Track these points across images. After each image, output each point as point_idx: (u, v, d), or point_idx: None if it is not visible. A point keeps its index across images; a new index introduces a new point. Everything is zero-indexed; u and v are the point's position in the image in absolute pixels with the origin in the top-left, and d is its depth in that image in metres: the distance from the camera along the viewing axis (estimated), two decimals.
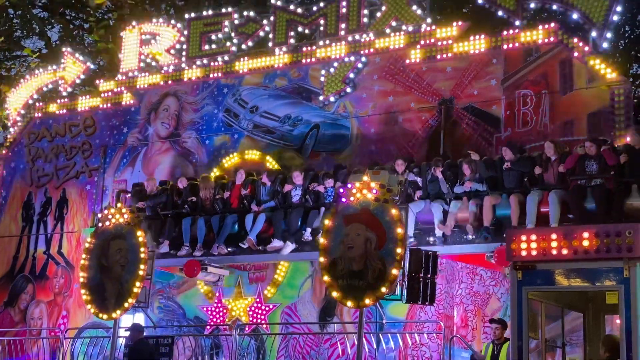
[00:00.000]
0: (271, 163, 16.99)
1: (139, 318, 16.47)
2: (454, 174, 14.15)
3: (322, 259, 12.20)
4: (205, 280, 16.54)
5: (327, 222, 12.42)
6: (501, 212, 13.47)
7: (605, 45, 14.67)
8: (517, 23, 15.32)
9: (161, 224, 16.33)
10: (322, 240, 12.25)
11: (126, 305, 14.27)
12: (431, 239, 13.97)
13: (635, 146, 12.92)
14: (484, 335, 14.26)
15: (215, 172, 17.34)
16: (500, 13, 15.62)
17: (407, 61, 16.16)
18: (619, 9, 14.68)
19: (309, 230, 14.90)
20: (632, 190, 12.65)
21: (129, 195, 17.49)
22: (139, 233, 14.32)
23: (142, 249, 14.41)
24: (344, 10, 16.94)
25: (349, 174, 14.64)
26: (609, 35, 14.67)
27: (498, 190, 13.61)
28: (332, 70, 16.91)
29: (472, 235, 13.59)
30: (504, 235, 12.64)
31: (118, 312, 14.03)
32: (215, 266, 15.94)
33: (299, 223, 14.99)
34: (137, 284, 13.94)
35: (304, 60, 17.25)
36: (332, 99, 16.86)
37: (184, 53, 18.57)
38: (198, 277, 16.11)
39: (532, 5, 15.60)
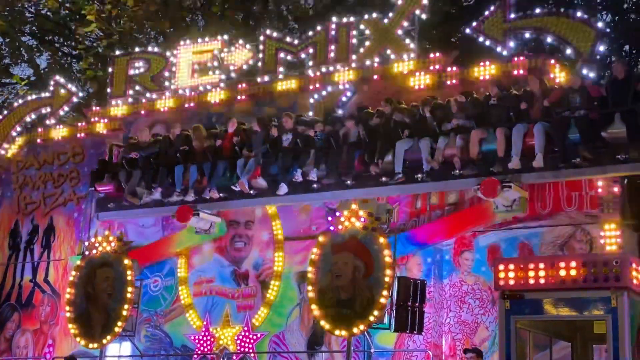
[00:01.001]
0: None
1: (126, 347, 16.36)
2: (443, 112, 14.42)
3: (310, 288, 12.18)
4: (197, 228, 16.58)
5: (314, 251, 12.40)
6: (487, 146, 13.74)
7: (592, 74, 14.77)
8: (505, 53, 15.41)
9: (154, 172, 16.60)
10: (310, 269, 12.23)
11: (113, 333, 14.20)
12: (419, 175, 14.23)
13: (618, 77, 13.12)
14: None
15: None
16: (488, 43, 15.72)
17: (395, 90, 16.18)
18: (605, 39, 14.82)
19: (299, 171, 15.11)
20: (614, 119, 12.82)
21: (122, 148, 17.73)
22: (126, 262, 14.28)
23: (129, 278, 14.37)
24: (332, 39, 17.01)
25: (336, 123, 15.29)
26: (594, 66, 14.77)
27: (485, 126, 13.81)
28: (320, 99, 16.93)
29: (459, 170, 13.82)
30: (490, 169, 13.34)
31: (104, 340, 13.94)
32: (207, 212, 16.10)
33: (290, 165, 15.23)
34: (124, 312, 13.87)
35: (293, 88, 17.28)
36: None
37: (172, 81, 18.59)
38: (190, 223, 16.26)
39: (519, 36, 15.69)
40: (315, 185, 15.13)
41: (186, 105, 18.38)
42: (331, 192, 15.10)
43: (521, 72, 15.03)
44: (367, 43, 16.78)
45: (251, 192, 15.57)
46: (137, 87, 18.96)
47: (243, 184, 15.38)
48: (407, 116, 14.66)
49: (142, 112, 18.79)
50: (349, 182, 14.76)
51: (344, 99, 16.76)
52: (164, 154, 16.78)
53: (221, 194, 15.89)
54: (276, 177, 15.35)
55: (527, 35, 15.60)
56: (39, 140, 20.01)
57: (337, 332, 11.99)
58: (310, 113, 16.91)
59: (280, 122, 15.89)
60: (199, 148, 16.35)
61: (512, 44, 15.45)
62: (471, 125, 13.95)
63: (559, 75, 14.80)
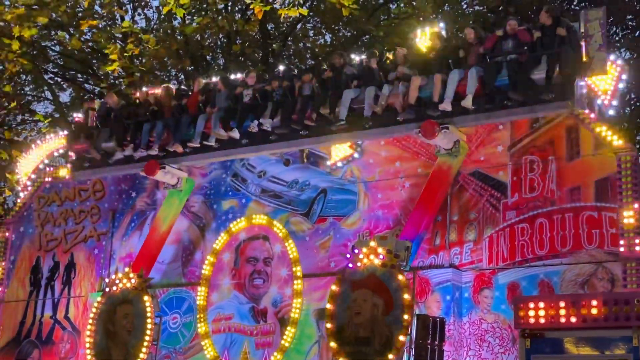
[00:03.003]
0: (278, 228, 17.01)
1: None
2: (389, 64, 15.69)
3: (328, 325, 12.15)
4: (166, 184, 17.50)
5: (333, 287, 12.39)
6: (426, 92, 14.70)
7: (611, 112, 14.78)
8: None
9: (123, 130, 17.69)
10: (328, 306, 12.22)
11: None
12: (365, 124, 15.16)
13: (545, 24, 14.07)
14: None
15: (223, 237, 17.46)
16: None
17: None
18: (624, 77, 14.85)
19: (255, 122, 16.04)
20: (541, 61, 13.79)
21: (96, 111, 18.81)
22: (146, 298, 14.33)
23: (149, 314, 14.42)
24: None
25: (289, 75, 16.63)
26: (614, 102, 14.79)
27: (426, 73, 14.78)
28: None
29: (400, 114, 14.73)
30: (428, 112, 14.54)
31: None
32: (174, 167, 17.08)
33: (248, 117, 16.25)
34: (144, 349, 13.90)
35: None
36: (339, 164, 16.97)
37: None
38: (157, 177, 17.25)
39: None
40: (271, 137, 16.12)
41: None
42: (287, 142, 16.14)
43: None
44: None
45: (214, 144, 16.59)
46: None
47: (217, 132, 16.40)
48: (356, 69, 15.78)
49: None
50: (302, 131, 15.76)
51: (359, 141, 16.79)
52: (133, 112, 17.86)
53: (186, 149, 16.84)
54: (234, 127, 16.39)
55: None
56: (60, 177, 20.18)
57: None
58: (328, 150, 16.98)
59: (244, 79, 17.00)
60: (167, 107, 17.34)
61: None
62: (413, 73, 14.85)
63: (577, 112, 14.80)
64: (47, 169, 20.50)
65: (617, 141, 14.26)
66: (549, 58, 13.78)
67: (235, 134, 16.36)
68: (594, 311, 11.01)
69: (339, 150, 17.01)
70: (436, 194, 15.09)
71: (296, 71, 17.37)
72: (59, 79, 29.80)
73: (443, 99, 14.42)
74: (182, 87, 18.31)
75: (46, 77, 29.14)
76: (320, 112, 15.67)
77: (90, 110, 19.00)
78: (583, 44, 14.07)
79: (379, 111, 14.99)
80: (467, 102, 14.19)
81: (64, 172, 20.07)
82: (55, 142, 20.68)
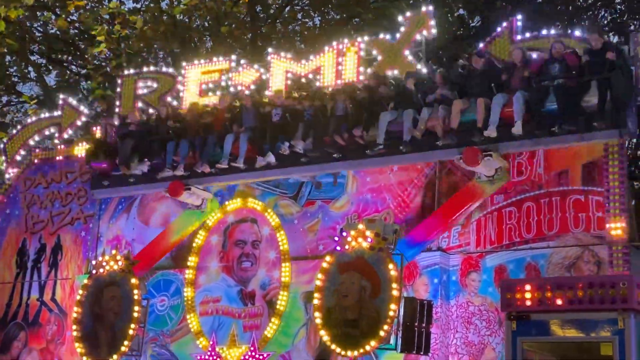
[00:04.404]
0: (270, 215, 16.99)
1: None
2: (427, 85, 14.91)
3: (316, 308, 12.18)
4: (190, 204, 16.92)
5: (321, 270, 12.42)
6: (469, 117, 14.10)
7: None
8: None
9: (146, 147, 17.09)
10: (316, 290, 12.24)
11: (119, 352, 14.22)
12: (402, 147, 14.52)
13: (594, 47, 13.52)
14: None
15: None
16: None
17: None
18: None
19: (286, 144, 15.50)
20: (591, 86, 13.26)
21: (116, 127, 18.15)
22: (133, 280, 14.30)
23: (135, 297, 14.40)
24: (340, 59, 17.09)
25: (325, 97, 15.83)
26: None
27: (467, 96, 14.18)
28: None
29: (441, 138, 14.15)
30: (472, 139, 13.68)
31: (111, 359, 13.95)
32: (199, 188, 16.50)
33: (279, 138, 15.70)
34: (130, 331, 13.89)
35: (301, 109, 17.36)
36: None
37: (180, 100, 18.67)
38: (181, 199, 16.62)
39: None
40: (302, 159, 15.59)
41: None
42: (319, 165, 15.67)
43: None
44: (375, 64, 16.86)
45: (241, 165, 16.05)
46: (145, 107, 19.05)
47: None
48: (392, 89, 15.21)
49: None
50: (335, 154, 15.28)
51: None
52: (155, 130, 17.26)
53: (212, 169, 16.31)
54: (265, 150, 15.85)
55: (534, 56, 15.62)
56: (47, 159, 20.09)
57: (343, 352, 11.97)
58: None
59: (271, 98, 16.44)
60: (192, 124, 16.79)
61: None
62: (453, 96, 14.32)
63: None
64: (33, 150, 20.39)
65: (603, 126, 14.27)
66: (599, 83, 13.22)
67: (271, 158, 15.81)
68: (580, 294, 11.08)
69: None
70: (459, 210, 14.68)
71: (330, 89, 16.20)
72: (45, 61, 29.60)
73: (487, 124, 13.89)
74: (207, 107, 17.40)
75: (32, 58, 28.95)
76: (354, 133, 15.08)
77: (109, 127, 18.35)
78: (633, 68, 13.58)
79: (418, 135, 14.35)
80: (518, 129, 13.56)
81: (50, 154, 20.01)
82: (41, 123, 20.57)
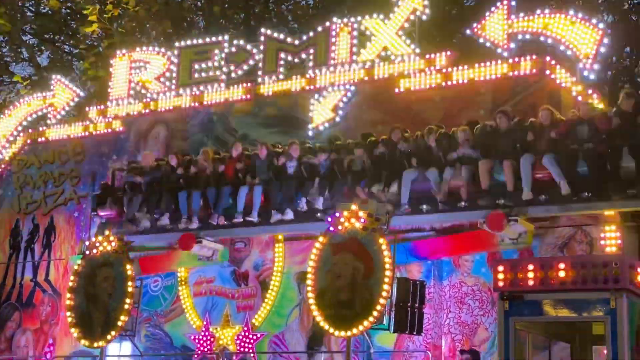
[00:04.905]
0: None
1: (126, 346, 16.37)
2: (448, 142, 14.22)
3: (309, 289, 12.19)
4: (200, 255, 16.36)
5: (314, 251, 12.42)
6: (495, 178, 13.54)
7: (592, 76, 14.78)
8: (505, 54, 15.44)
9: (158, 198, 16.37)
10: (309, 270, 12.25)
11: (113, 333, 14.21)
12: (424, 206, 14.00)
13: (626, 110, 12.93)
14: None
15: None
16: (488, 44, 15.75)
17: (397, 91, 16.24)
18: (606, 41, 14.82)
19: (304, 200, 14.96)
20: (623, 153, 12.66)
21: (125, 172, 17.58)
22: (127, 261, 14.29)
23: (129, 277, 14.39)
24: (333, 39, 17.05)
25: (341, 150, 15.08)
26: (596, 66, 14.78)
27: (491, 156, 13.61)
28: (321, 99, 16.98)
29: (465, 202, 13.62)
30: (496, 202, 13.02)
31: (105, 340, 13.96)
32: (210, 240, 15.96)
33: (295, 193, 15.06)
34: (124, 312, 13.89)
35: (293, 89, 17.33)
36: (321, 127, 16.92)
37: (173, 81, 18.62)
38: (193, 251, 16.01)
39: (520, 37, 15.69)
40: (319, 214, 14.72)
41: (187, 105, 18.41)
42: None
43: (522, 72, 15.13)
44: (368, 43, 16.81)
45: (255, 219, 15.39)
46: (138, 87, 18.98)
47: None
48: (413, 145, 14.46)
49: (143, 111, 18.84)
50: None
51: (344, 99, 16.80)
52: (166, 179, 16.53)
53: (226, 222, 15.64)
54: (281, 205, 15.11)
55: (527, 37, 15.58)
56: (39, 139, 20.03)
57: (336, 332, 11.99)
58: (311, 114, 16.96)
59: (285, 148, 15.72)
60: (203, 173, 16.14)
61: (512, 45, 15.47)
62: (477, 155, 13.74)
63: (559, 76, 14.83)
64: (26, 131, 20.32)
65: (598, 104, 14.28)
66: (630, 149, 12.56)
67: (289, 216, 15.10)
68: (573, 274, 11.08)
69: (321, 114, 16.96)
70: (468, 251, 14.41)
71: (349, 142, 15.31)
72: (37, 41, 29.42)
73: (515, 187, 13.27)
74: (217, 155, 16.55)
75: (24, 38, 28.77)
76: (372, 190, 14.34)
77: (117, 171, 17.95)
78: None
79: (441, 197, 13.72)
80: (565, 189, 12.84)
81: (42, 135, 19.94)
82: (33, 103, 20.49)
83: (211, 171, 16.08)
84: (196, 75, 18.42)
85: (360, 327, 11.98)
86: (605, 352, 11.06)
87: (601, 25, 15.10)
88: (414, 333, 12.28)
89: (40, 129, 20.23)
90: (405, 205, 13.96)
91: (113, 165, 18.45)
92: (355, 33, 16.96)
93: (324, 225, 13.13)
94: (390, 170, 14.30)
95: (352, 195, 14.30)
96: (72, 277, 15.04)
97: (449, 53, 16.21)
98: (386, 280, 11.63)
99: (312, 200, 14.92)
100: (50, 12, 27.53)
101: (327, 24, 17.31)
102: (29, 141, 20.23)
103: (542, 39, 15.55)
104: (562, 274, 11.17)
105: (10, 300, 19.29)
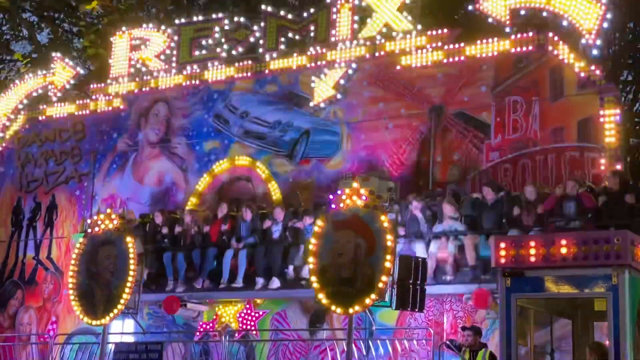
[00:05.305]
0: (261, 169, 16.98)
1: (129, 324, 16.41)
2: (433, 213, 14.04)
3: (311, 265, 12.19)
4: (185, 316, 16.27)
5: (316, 228, 12.41)
6: (482, 253, 13.26)
7: (595, 52, 14.72)
8: (507, 30, 15.36)
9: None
10: (311, 245, 12.25)
11: (115, 311, 14.26)
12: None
13: (612, 189, 12.81)
14: None
15: (205, 179, 17.33)
16: (490, 20, 15.66)
17: (398, 67, 16.18)
18: (609, 16, 14.74)
19: (291, 267, 14.77)
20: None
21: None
22: (128, 239, 14.29)
23: (131, 255, 14.40)
24: (334, 16, 16.96)
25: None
26: (598, 42, 14.71)
27: (477, 230, 13.46)
28: (322, 76, 16.92)
29: (451, 276, 13.48)
30: (482, 277, 12.80)
31: (107, 318, 14.00)
32: (195, 302, 15.76)
33: (280, 260, 14.86)
34: (127, 290, 13.91)
35: (294, 66, 17.26)
36: (322, 105, 16.87)
37: (174, 59, 18.55)
38: (177, 314, 15.86)
39: (523, 13, 15.60)
40: (303, 282, 14.30)
41: (187, 82, 18.36)
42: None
43: (524, 49, 15.05)
44: (369, 20, 16.71)
45: (240, 285, 15.16)
46: (139, 65, 18.92)
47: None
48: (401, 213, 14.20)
49: (144, 89, 18.79)
50: None
51: (345, 76, 16.71)
52: (150, 238, 16.33)
53: (211, 285, 15.37)
54: (266, 272, 14.87)
55: (530, 12, 15.48)
56: (40, 118, 20.01)
57: (338, 309, 12.00)
58: (312, 91, 16.86)
59: (271, 212, 15.59)
60: (188, 232, 15.95)
61: (515, 20, 15.36)
62: (463, 229, 13.57)
63: (562, 52, 14.75)
64: (27, 109, 20.28)
65: (600, 81, 14.23)
66: (617, 229, 12.04)
67: (275, 284, 14.78)
68: (574, 250, 11.08)
69: (322, 91, 16.91)
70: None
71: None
72: (37, 19, 29.28)
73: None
74: (203, 211, 16.58)
75: (24, 16, 28.63)
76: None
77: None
78: None
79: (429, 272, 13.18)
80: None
81: (43, 113, 19.90)
82: (34, 81, 20.43)
83: (196, 231, 15.93)
84: (196, 52, 18.34)
85: (362, 305, 11.99)
86: (606, 328, 11.09)
87: (604, 0, 15.00)
88: (416, 310, 12.28)
89: (41, 107, 20.19)
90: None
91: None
92: (356, 10, 16.85)
93: (310, 292, 12.81)
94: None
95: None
96: (74, 256, 15.07)
97: (450, 29, 16.11)
98: (388, 257, 11.62)
99: (299, 268, 14.64)
100: None
101: (328, 0, 17.20)
102: (30, 119, 20.19)
103: (544, 14, 15.44)
104: (563, 250, 11.17)
105: (12, 277, 19.35)
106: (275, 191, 16.74)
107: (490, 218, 13.48)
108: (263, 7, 18.15)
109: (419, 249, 13.73)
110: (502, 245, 11.58)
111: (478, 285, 12.96)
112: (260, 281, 14.97)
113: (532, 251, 11.33)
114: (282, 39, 17.55)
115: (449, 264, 13.54)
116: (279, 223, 15.24)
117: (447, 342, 12.91)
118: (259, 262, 15.06)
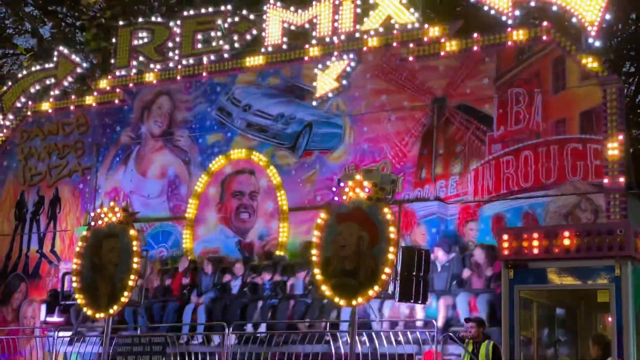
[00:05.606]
0: (258, 157, 17.03)
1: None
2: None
3: (315, 258, 12.22)
4: None
5: (319, 221, 12.44)
6: (431, 313, 13.37)
7: (597, 43, 14.69)
8: (510, 22, 15.34)
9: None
10: (314, 239, 12.26)
11: (119, 303, 14.28)
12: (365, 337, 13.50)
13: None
14: None
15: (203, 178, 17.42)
16: (493, 12, 15.63)
17: (400, 60, 16.17)
18: (611, 8, 14.71)
19: (249, 325, 14.71)
20: None
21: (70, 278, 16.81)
22: (132, 232, 14.32)
23: (135, 248, 14.42)
24: (337, 9, 16.93)
25: (287, 267, 14.99)
26: (601, 34, 14.68)
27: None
28: (325, 69, 16.91)
29: (403, 338, 13.41)
30: (433, 336, 12.78)
31: (111, 310, 14.03)
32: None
33: (239, 316, 14.84)
34: (130, 282, 13.94)
35: (297, 59, 17.25)
36: (325, 97, 16.86)
37: (176, 51, 18.54)
38: None
39: (525, 5, 15.56)
40: (260, 336, 14.34)
41: (190, 75, 18.35)
42: (277, 348, 14.11)
43: (526, 41, 15.04)
44: (372, 12, 16.69)
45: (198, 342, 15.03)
46: (141, 58, 18.92)
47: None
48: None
49: (146, 82, 18.80)
50: (296, 338, 14.07)
51: (348, 69, 16.72)
52: None
53: (170, 335, 14.93)
54: (224, 328, 14.49)
55: (532, 4, 15.45)
56: (43, 111, 20.01)
57: (341, 302, 12.02)
58: (315, 83, 16.86)
59: (231, 266, 15.70)
60: (150, 285, 15.88)
61: (517, 13, 15.35)
62: None
63: (564, 44, 14.72)
64: (30, 102, 20.29)
65: (603, 73, 14.22)
66: None
67: (230, 341, 14.46)
68: (577, 242, 11.10)
69: (325, 84, 16.90)
70: None
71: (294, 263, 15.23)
72: (40, 12, 29.27)
73: (446, 324, 13.23)
74: (167, 267, 16.67)
75: (27, 9, 28.64)
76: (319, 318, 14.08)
77: (67, 275, 16.73)
78: None
79: (380, 328, 13.49)
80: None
81: (46, 106, 19.91)
82: (37, 75, 20.43)
83: (158, 285, 15.91)
84: (199, 45, 18.33)
85: (365, 297, 12.01)
86: (610, 319, 11.11)
87: None
88: (419, 302, 12.30)
89: (44, 100, 20.20)
90: (344, 338, 13.52)
91: (65, 267, 17.88)
92: (358, 2, 16.83)
93: (269, 348, 12.85)
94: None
95: (294, 325, 14.11)
96: (77, 249, 15.11)
97: (453, 21, 16.09)
98: (391, 249, 11.64)
99: (257, 325, 14.61)
100: None
101: None
102: (32, 113, 20.21)
103: (546, 6, 15.41)
104: (566, 242, 11.18)
105: (16, 271, 19.39)
106: (275, 176, 16.77)
107: (441, 279, 13.65)
108: None
109: (373, 307, 13.74)
110: (505, 236, 11.60)
111: (429, 347, 12.95)
112: (216, 339, 14.83)
113: (536, 242, 11.35)
114: (285, 32, 17.53)
115: (400, 322, 13.58)
116: (239, 277, 15.35)
117: (450, 334, 12.93)
118: (216, 318, 14.98)
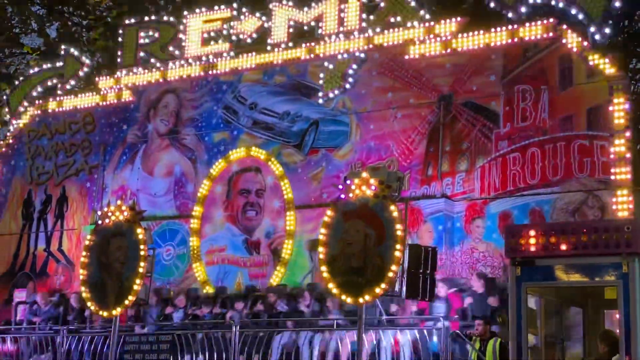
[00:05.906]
0: (258, 152, 17.04)
1: None
2: (320, 306, 14.23)
3: (321, 255, 12.22)
4: None
5: (326, 218, 12.44)
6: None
7: (604, 40, 14.66)
8: (516, 19, 15.31)
9: (52, 337, 15.90)
10: (321, 237, 12.26)
11: (126, 302, 14.30)
12: None
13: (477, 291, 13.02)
14: None
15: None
16: (498, 9, 15.61)
17: (406, 57, 16.15)
18: (617, 4, 14.68)
19: (187, 357, 14.49)
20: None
21: (27, 306, 17.30)
22: (139, 231, 14.33)
23: (142, 247, 14.44)
24: (343, 6, 16.93)
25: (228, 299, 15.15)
26: (607, 30, 14.65)
27: None
28: (331, 66, 16.90)
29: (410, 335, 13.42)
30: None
31: (118, 309, 14.05)
32: None
33: (180, 349, 14.56)
34: (137, 281, 13.95)
35: (303, 57, 17.25)
36: (331, 95, 16.86)
37: (183, 50, 18.55)
38: None
39: (531, 1, 15.55)
40: None
41: (196, 74, 18.37)
42: None
43: (533, 37, 15.01)
44: (378, 9, 16.68)
45: None
46: (148, 57, 18.94)
47: None
48: (291, 305, 14.42)
49: (153, 81, 18.82)
50: None
51: (354, 66, 16.71)
52: (64, 317, 16.37)
53: None
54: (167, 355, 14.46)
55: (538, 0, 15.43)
56: (50, 110, 20.06)
57: (347, 299, 12.02)
58: (321, 81, 16.86)
59: (174, 298, 15.75)
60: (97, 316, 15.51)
61: (523, 9, 15.32)
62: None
63: (570, 40, 14.70)
64: (37, 101, 20.33)
65: (609, 69, 14.19)
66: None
67: None
68: (584, 238, 11.05)
69: (331, 82, 16.88)
70: None
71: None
72: (46, 12, 29.32)
73: None
74: None
75: (33, 9, 28.69)
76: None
77: (21, 305, 17.66)
78: None
79: None
80: None
81: (53, 105, 19.95)
82: (43, 74, 20.48)
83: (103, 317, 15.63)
84: (205, 44, 18.33)
85: (372, 294, 12.01)
86: (617, 316, 11.07)
87: None
88: (426, 299, 12.29)
89: (51, 99, 20.24)
90: None
91: (18, 296, 18.03)
92: (364, 0, 16.82)
93: None
94: (268, 328, 14.13)
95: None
96: (84, 248, 15.13)
97: (458, 19, 16.07)
98: (397, 246, 11.63)
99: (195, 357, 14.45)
100: None
101: None
102: (39, 112, 20.26)
103: (552, 2, 15.38)
104: (574, 238, 11.13)
105: (24, 270, 19.44)
106: (276, 167, 16.79)
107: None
108: None
109: (301, 340, 13.82)
110: (513, 233, 11.57)
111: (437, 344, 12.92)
112: None
113: (543, 240, 11.31)
114: (291, 30, 17.53)
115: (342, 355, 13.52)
116: (180, 309, 15.35)
117: (458, 332, 12.92)
118: (159, 345, 14.73)
